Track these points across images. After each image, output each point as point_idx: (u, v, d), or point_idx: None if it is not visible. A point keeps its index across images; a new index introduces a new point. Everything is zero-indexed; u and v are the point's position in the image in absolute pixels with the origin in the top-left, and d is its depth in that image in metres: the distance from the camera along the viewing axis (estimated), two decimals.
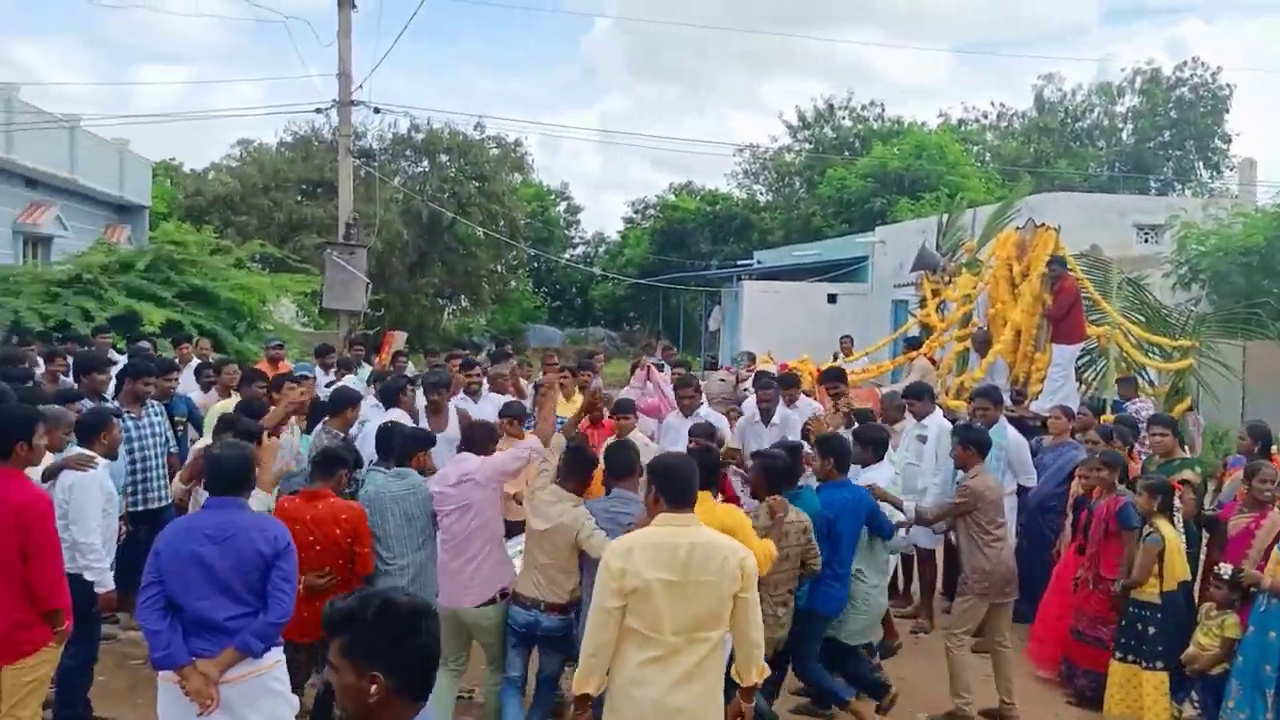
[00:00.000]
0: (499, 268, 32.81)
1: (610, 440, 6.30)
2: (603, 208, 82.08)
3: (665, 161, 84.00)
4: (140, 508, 6.99)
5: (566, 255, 45.40)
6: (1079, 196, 19.27)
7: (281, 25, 73.60)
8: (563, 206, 49.29)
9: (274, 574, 3.98)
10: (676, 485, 3.86)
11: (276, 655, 4.08)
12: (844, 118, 43.72)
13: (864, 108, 43.59)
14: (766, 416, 8.12)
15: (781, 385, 8.39)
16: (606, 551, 3.83)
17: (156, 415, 7.30)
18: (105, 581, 5.30)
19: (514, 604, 5.24)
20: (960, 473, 6.62)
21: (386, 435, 5.85)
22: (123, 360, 8.87)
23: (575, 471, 5.30)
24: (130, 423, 7.03)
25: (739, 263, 33.59)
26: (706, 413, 8.02)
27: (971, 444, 6.39)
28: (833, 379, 8.47)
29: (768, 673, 4.11)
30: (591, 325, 42.56)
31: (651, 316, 40.82)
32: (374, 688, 2.18)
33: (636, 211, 46.90)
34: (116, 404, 6.99)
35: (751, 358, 12.68)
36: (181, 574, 3.95)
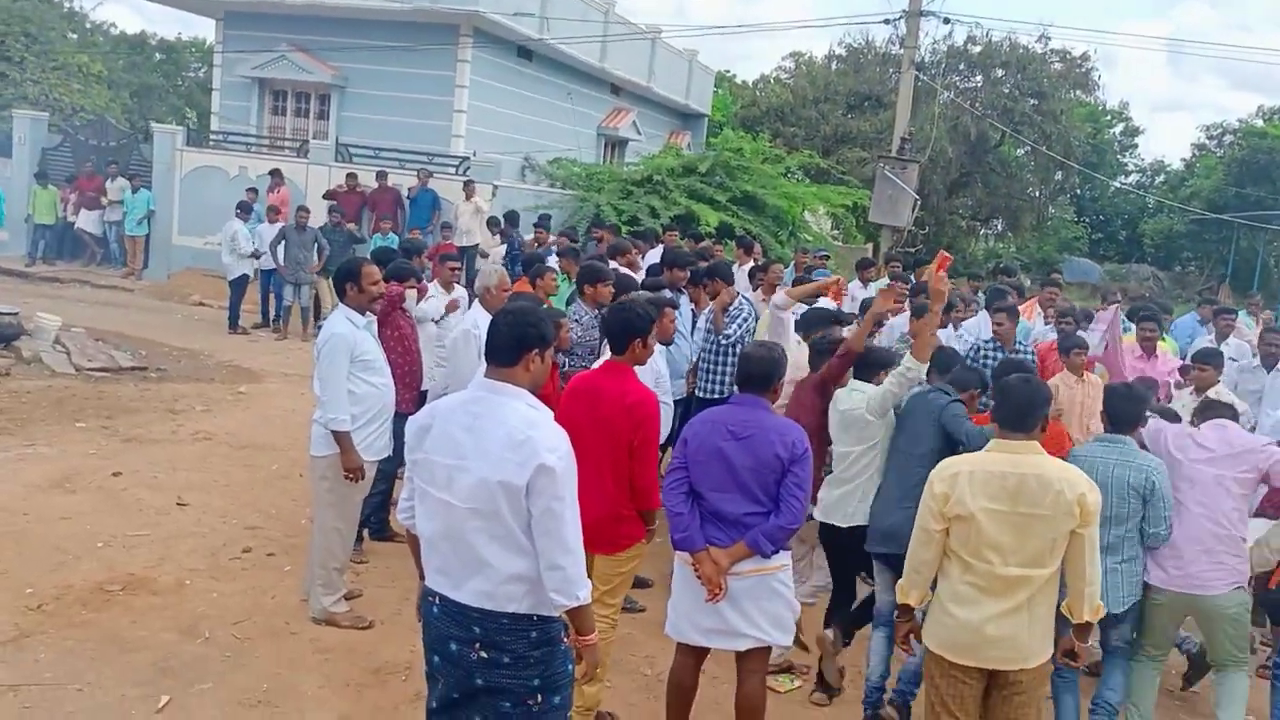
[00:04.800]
0: (1040, 193, 30.74)
1: None
2: (1165, 132, 73.14)
3: (1250, 81, 72.25)
4: (703, 394, 7.58)
5: (1118, 182, 41.39)
6: None
7: None
8: (1118, 129, 44.94)
9: (788, 478, 3.99)
10: (1013, 408, 3.71)
11: (784, 559, 4.11)
12: None
13: None
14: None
15: None
16: (932, 473, 3.76)
17: None
18: None
19: None
20: None
21: None
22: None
23: None
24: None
25: None
26: None
27: None
28: None
29: (1103, 612, 3.82)
30: (1136, 262, 38.53)
31: (1213, 259, 36.01)
32: None
33: (1210, 137, 41.28)
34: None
35: None
36: (704, 465, 4.09)
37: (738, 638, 4.11)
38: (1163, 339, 8.60)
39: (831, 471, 5.25)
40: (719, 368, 7.20)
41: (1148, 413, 5.02)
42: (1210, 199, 34.68)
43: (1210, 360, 6.90)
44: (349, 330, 5.23)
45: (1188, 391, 6.94)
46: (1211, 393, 6.59)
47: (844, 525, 5.09)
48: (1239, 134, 38.63)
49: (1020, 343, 7.47)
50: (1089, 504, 3.58)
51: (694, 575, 4.10)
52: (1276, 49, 75.92)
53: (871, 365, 5.21)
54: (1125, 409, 4.68)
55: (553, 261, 8.69)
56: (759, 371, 4.19)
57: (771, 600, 4.10)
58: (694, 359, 7.50)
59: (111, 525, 6.45)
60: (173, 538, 6.37)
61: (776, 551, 4.06)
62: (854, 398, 5.11)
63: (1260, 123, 38.70)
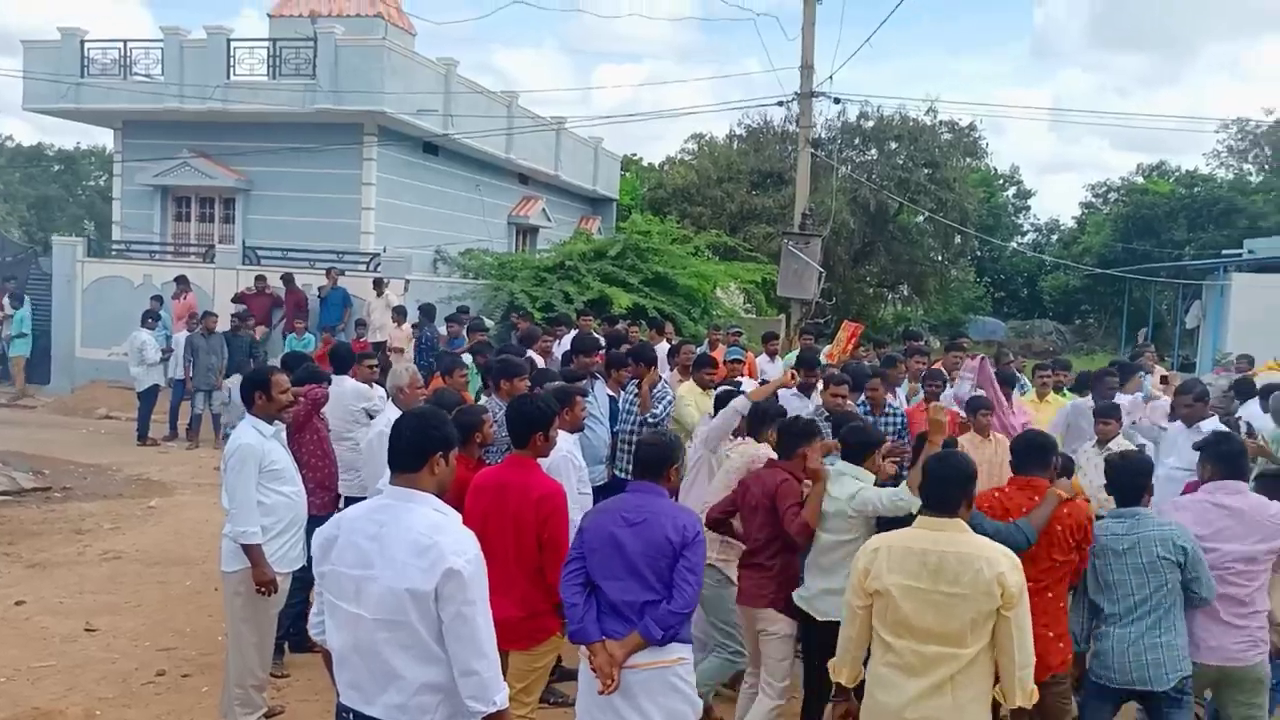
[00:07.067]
0: (942, 257, 31.78)
1: None
2: (1056, 192, 76.53)
3: (1130, 141, 76.35)
4: (625, 475, 7.59)
5: (1015, 243, 43.05)
6: None
7: (725, 22, 77.28)
8: (1011, 191, 46.91)
9: (680, 563, 3.93)
10: (935, 486, 3.75)
11: (682, 652, 4.00)
12: None
13: None
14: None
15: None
16: (859, 549, 3.87)
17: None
18: None
19: None
20: None
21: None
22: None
23: None
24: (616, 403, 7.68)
25: (1223, 253, 29.75)
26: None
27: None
28: None
29: (1037, 696, 3.66)
30: (1039, 318, 39.99)
31: (1110, 311, 37.48)
32: None
33: (1097, 196, 43.48)
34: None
35: (1249, 361, 11.13)
36: (599, 552, 4.01)
37: None
38: (1062, 394, 8.94)
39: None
40: None
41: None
42: (1101, 254, 36.23)
43: (1111, 414, 7.17)
44: (257, 440, 5.15)
45: (1090, 444, 7.21)
46: (1114, 444, 6.87)
47: (821, 620, 4.83)
48: (1122, 191, 40.65)
49: (891, 406, 7.61)
50: (1010, 584, 3.51)
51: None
52: (1148, 114, 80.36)
53: (861, 446, 5.05)
54: (1132, 481, 4.54)
55: (469, 358, 8.65)
56: (653, 458, 4.19)
57: (668, 696, 3.96)
58: (611, 442, 7.54)
59: (14, 657, 6.19)
60: (80, 666, 6.13)
61: (669, 639, 3.94)
62: (843, 484, 4.92)
63: (1141, 180, 40.78)
